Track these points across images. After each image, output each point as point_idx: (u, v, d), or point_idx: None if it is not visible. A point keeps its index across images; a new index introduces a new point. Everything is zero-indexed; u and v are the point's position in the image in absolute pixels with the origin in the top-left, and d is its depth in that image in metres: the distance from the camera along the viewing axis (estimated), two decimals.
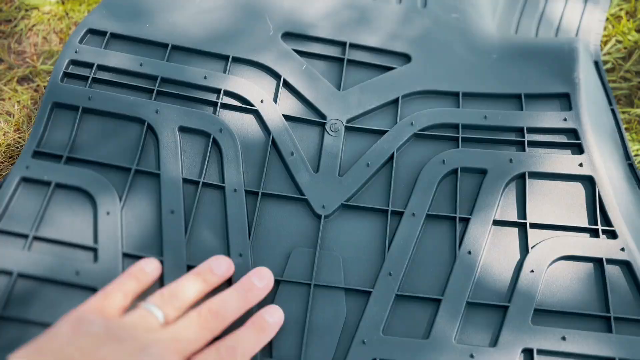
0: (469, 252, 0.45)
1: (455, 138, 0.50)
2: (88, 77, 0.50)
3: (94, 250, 0.43)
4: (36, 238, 0.43)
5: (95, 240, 0.44)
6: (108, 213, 0.44)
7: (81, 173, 0.45)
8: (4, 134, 0.56)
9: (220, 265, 0.42)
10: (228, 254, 0.44)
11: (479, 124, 0.50)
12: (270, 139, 0.49)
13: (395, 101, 0.52)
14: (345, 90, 0.52)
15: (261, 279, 0.42)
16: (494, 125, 0.50)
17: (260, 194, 0.47)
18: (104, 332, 0.35)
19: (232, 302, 0.40)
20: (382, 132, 0.50)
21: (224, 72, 0.52)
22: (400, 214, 0.47)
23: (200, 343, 0.38)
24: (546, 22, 0.65)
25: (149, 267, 0.42)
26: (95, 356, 0.34)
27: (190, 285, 0.40)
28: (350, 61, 0.54)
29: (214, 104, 0.50)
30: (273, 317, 0.41)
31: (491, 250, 0.45)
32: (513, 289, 0.44)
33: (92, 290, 0.42)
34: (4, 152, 0.55)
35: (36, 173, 0.45)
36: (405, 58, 0.55)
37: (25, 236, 0.43)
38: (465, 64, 0.54)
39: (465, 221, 0.47)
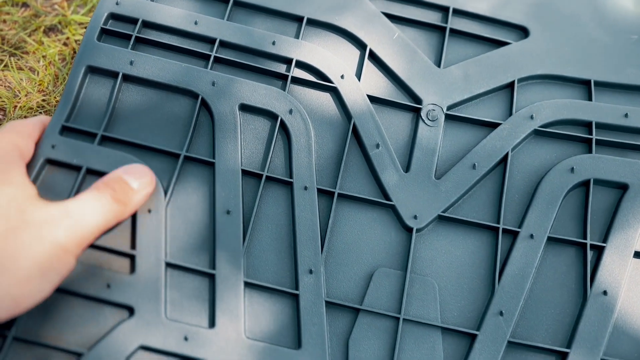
0: (604, 292, 0.35)
1: (587, 140, 0.40)
2: (131, 35, 0.40)
3: (131, 257, 0.35)
4: None
5: (133, 245, 0.35)
6: (150, 211, 0.36)
7: (118, 157, 0.37)
8: (26, 95, 0.47)
9: None
10: (295, 269, 0.36)
11: (618, 124, 0.40)
12: (351, 126, 0.39)
13: (509, 86, 0.42)
14: (447, 68, 0.42)
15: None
16: (638, 127, 0.40)
17: (336, 194, 0.38)
18: None
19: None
20: (493, 125, 0.40)
21: (297, 37, 0.42)
22: (514, 233, 0.37)
23: None
24: None
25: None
26: None
27: None
28: (453, 31, 0.44)
29: (283, 78, 0.41)
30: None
31: (633, 291, 0.36)
32: None
33: (126, 308, 0.33)
34: (25, 117, 0.46)
35: (64, 155, 0.36)
36: (522, 32, 0.44)
37: None
38: (596, 44, 0.43)
39: (598, 250, 0.37)
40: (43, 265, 0.30)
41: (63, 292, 0.34)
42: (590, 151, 0.40)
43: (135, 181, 0.34)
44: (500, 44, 0.43)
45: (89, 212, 0.32)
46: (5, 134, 0.34)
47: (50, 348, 0.32)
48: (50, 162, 0.36)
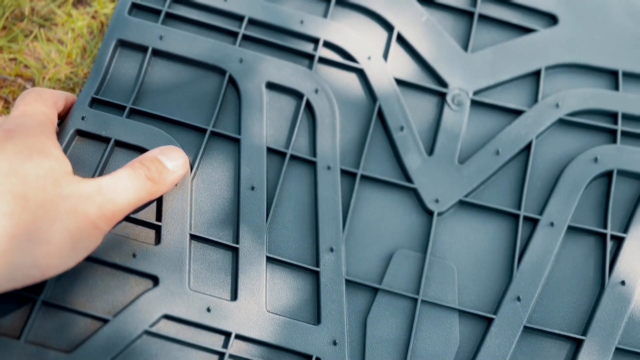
0: (622, 283, 0.35)
1: (611, 130, 0.40)
2: (161, 11, 0.40)
3: (157, 228, 0.35)
4: None
5: (159, 216, 0.36)
6: (176, 184, 0.36)
7: (147, 130, 0.37)
8: (54, 67, 0.48)
9: None
10: (317, 247, 0.36)
11: None
12: (376, 108, 0.39)
13: (536, 73, 0.41)
14: (474, 53, 0.42)
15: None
16: None
17: (359, 175, 0.38)
18: None
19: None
20: (518, 112, 0.40)
21: (325, 16, 0.42)
22: (535, 221, 0.37)
23: None
24: None
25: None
26: None
27: None
28: (482, 16, 0.43)
29: (309, 57, 0.41)
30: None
31: None
32: None
33: (151, 278, 0.34)
34: (53, 88, 0.47)
35: (94, 126, 0.37)
36: (551, 19, 0.44)
37: None
38: (625, 34, 0.43)
39: (618, 240, 0.37)
40: (74, 239, 0.30)
41: (91, 260, 0.34)
42: (614, 142, 0.39)
43: (170, 162, 0.35)
44: (529, 30, 0.43)
45: (122, 190, 0.32)
46: (34, 103, 0.34)
47: (77, 313, 0.33)
48: (80, 133, 0.37)
